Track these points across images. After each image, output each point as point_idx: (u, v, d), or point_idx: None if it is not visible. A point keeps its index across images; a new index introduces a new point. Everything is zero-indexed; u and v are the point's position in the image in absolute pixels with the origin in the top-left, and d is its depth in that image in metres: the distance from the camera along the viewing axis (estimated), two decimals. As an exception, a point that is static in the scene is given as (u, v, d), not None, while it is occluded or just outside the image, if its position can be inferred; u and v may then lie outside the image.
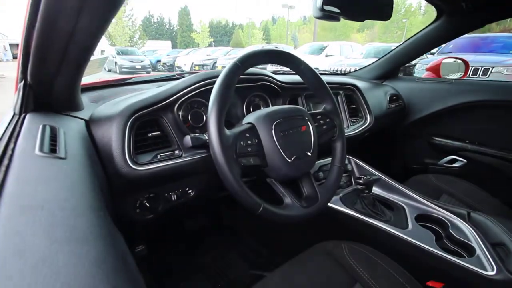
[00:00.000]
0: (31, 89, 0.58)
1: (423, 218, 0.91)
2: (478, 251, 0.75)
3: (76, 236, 0.27)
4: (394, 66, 1.60)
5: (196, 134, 0.71)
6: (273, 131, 0.67)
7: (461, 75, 1.66)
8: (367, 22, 0.93)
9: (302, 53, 9.49)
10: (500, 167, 1.33)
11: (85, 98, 0.82)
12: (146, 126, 0.74)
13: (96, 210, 0.34)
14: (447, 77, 1.65)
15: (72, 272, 0.23)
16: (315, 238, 0.99)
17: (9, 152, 0.39)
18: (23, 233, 0.25)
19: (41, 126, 0.51)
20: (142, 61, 11.87)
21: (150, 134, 0.74)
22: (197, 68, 10.61)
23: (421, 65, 5.05)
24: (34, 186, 0.32)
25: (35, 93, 0.59)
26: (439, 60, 1.71)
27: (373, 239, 0.87)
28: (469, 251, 0.78)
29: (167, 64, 13.17)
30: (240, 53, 0.75)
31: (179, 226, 1.41)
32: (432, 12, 1.27)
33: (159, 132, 0.76)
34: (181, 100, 0.78)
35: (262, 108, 1.00)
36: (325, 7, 0.81)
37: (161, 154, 0.73)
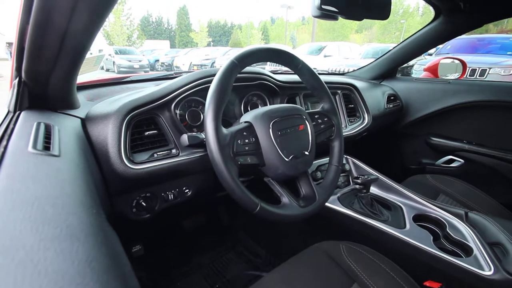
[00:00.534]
0: (26, 86, 0.57)
1: (420, 218, 0.91)
2: (476, 251, 0.75)
3: (66, 233, 0.26)
4: (392, 66, 1.61)
5: (193, 133, 0.71)
6: (270, 130, 0.67)
7: (459, 76, 1.66)
8: (366, 22, 0.93)
9: (301, 53, 9.51)
10: (497, 167, 1.34)
11: (81, 96, 0.81)
12: (143, 124, 0.74)
13: (89, 208, 0.33)
14: (445, 78, 1.66)
15: (60, 270, 0.22)
16: (313, 238, 0.99)
17: (1, 149, 0.38)
18: (11, 229, 0.24)
19: (35, 124, 0.50)
20: (140, 61, 11.82)
21: (147, 133, 0.73)
22: (195, 68, 10.59)
23: (419, 66, 5.07)
24: (26, 183, 0.32)
25: (30, 91, 0.58)
26: (436, 61, 1.71)
27: (371, 239, 0.87)
28: (467, 251, 0.78)
29: (166, 63, 13.14)
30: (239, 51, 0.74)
31: (176, 226, 1.40)
32: (430, 14, 1.27)
33: (156, 131, 0.75)
34: (178, 99, 0.77)
35: (260, 107, 0.99)
36: (323, 6, 0.80)
37: (158, 153, 0.73)
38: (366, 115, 1.31)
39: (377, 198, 1.01)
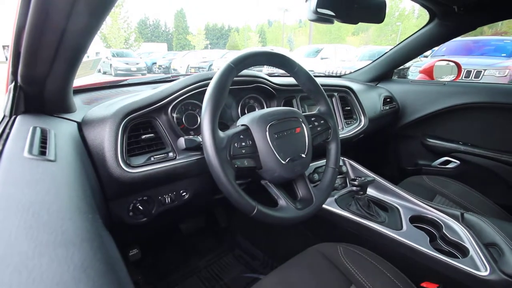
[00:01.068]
0: (22, 91, 0.57)
1: (417, 219, 0.91)
2: (472, 252, 0.76)
3: (61, 239, 0.26)
4: (388, 69, 1.62)
5: (190, 136, 0.71)
6: (267, 133, 0.67)
7: (454, 77, 1.68)
8: (362, 25, 0.94)
9: (298, 56, 9.55)
10: (492, 168, 1.35)
11: (78, 100, 0.81)
12: (140, 128, 0.73)
13: (84, 213, 0.33)
14: (440, 80, 1.67)
15: (56, 276, 0.22)
16: (310, 240, 0.99)
17: None
18: (6, 236, 0.24)
19: (31, 128, 0.50)
20: (137, 63, 11.81)
21: (144, 136, 0.73)
22: (193, 70, 10.59)
23: (415, 68, 5.12)
24: (21, 188, 0.32)
25: (26, 95, 0.58)
26: (432, 63, 1.73)
27: (368, 240, 0.87)
28: (463, 251, 0.78)
29: (163, 66, 13.13)
30: (235, 55, 0.74)
31: (173, 229, 1.40)
32: (426, 16, 1.29)
33: (152, 134, 0.75)
34: (175, 102, 0.78)
35: (257, 109, 1.00)
36: (319, 10, 0.81)
37: (155, 157, 0.73)
38: (362, 117, 1.31)
39: (374, 200, 1.01)
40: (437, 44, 1.45)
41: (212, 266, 1.31)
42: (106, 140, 0.64)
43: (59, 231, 0.27)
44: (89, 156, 0.64)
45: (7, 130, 0.49)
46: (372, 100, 1.44)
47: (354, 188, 0.92)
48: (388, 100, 1.52)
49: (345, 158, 1.16)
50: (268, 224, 0.65)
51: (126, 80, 1.12)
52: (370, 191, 1.04)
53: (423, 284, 0.79)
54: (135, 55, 13.84)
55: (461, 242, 0.79)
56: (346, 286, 0.68)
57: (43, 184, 0.34)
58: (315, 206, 0.74)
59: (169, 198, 0.81)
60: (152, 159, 0.72)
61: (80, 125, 0.68)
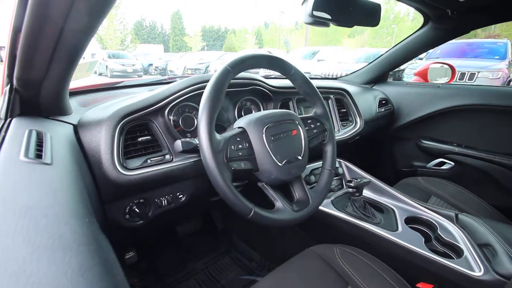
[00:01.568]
0: (17, 93, 0.57)
1: (412, 221, 0.92)
2: (466, 252, 0.77)
3: (59, 243, 0.26)
4: (383, 71, 1.64)
5: (187, 139, 0.71)
6: (264, 135, 0.68)
7: (448, 80, 1.70)
8: (358, 27, 0.96)
9: (295, 58, 9.60)
10: (486, 169, 1.37)
11: (74, 102, 0.81)
12: (136, 130, 0.73)
13: (81, 217, 0.33)
14: (435, 82, 1.70)
15: (54, 281, 0.22)
16: (307, 241, 0.99)
17: None
18: (4, 240, 0.24)
19: (27, 131, 0.50)
20: (133, 65, 11.76)
21: (140, 139, 0.73)
22: (189, 72, 10.58)
23: (410, 70, 5.17)
24: (17, 192, 0.32)
25: (22, 97, 0.58)
26: (426, 65, 1.75)
27: (364, 241, 0.88)
28: (457, 252, 0.79)
29: (160, 68, 13.10)
30: (232, 57, 0.75)
31: (170, 232, 1.39)
32: (420, 19, 1.30)
33: (149, 137, 0.75)
34: (172, 104, 0.78)
35: (253, 112, 1.00)
36: (315, 13, 0.82)
37: (152, 159, 0.73)
38: (358, 119, 1.32)
39: (370, 201, 1.02)
40: (432, 47, 1.47)
41: (209, 268, 1.30)
42: (102, 142, 0.64)
43: (56, 235, 0.27)
44: (85, 158, 0.63)
45: (2, 133, 0.49)
46: (367, 102, 1.45)
47: (350, 189, 0.93)
48: (383, 102, 1.54)
49: (341, 160, 1.17)
50: (264, 226, 0.65)
51: (123, 82, 1.12)
52: (366, 193, 1.05)
53: (419, 285, 0.79)
54: (131, 57, 13.80)
55: (456, 243, 0.80)
56: (342, 287, 0.68)
57: (39, 188, 0.34)
58: (312, 208, 0.74)
59: (165, 201, 0.80)
60: (149, 161, 0.72)
61: (76, 128, 0.67)
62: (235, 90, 0.92)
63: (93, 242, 0.30)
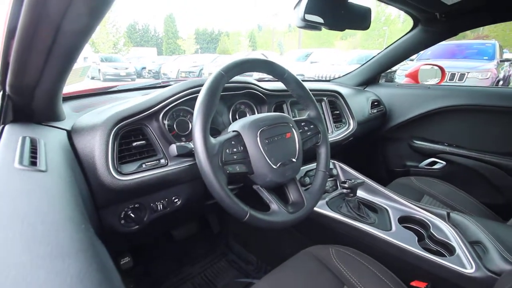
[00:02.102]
0: (10, 100, 0.57)
1: (405, 220, 0.94)
2: (458, 250, 0.78)
3: (57, 250, 0.26)
4: (375, 73, 1.66)
5: (182, 143, 0.71)
6: (258, 139, 0.68)
7: (438, 81, 1.74)
8: (350, 30, 0.97)
9: (289, 60, 9.66)
10: (476, 168, 1.40)
11: (67, 107, 0.80)
12: (131, 135, 0.73)
13: (78, 224, 0.33)
14: (425, 83, 1.73)
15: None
16: (303, 243, 1.00)
17: None
18: (3, 248, 0.24)
19: (20, 138, 0.50)
20: (126, 68, 11.66)
21: (135, 144, 0.73)
22: (183, 75, 10.56)
23: (402, 71, 5.25)
24: (14, 200, 0.32)
25: (14, 104, 0.58)
26: (417, 67, 1.79)
27: (359, 241, 0.89)
28: (450, 250, 0.81)
29: (153, 71, 13.02)
30: (226, 60, 0.75)
31: (166, 236, 1.38)
32: (411, 21, 1.33)
33: (144, 141, 0.75)
34: (166, 109, 0.78)
35: (248, 115, 1.01)
36: (307, 17, 0.83)
37: (146, 164, 0.73)
38: (351, 121, 1.34)
39: (364, 202, 1.03)
40: (422, 49, 1.51)
41: (205, 272, 1.30)
42: (96, 148, 0.64)
43: (54, 242, 0.27)
44: (79, 164, 0.63)
45: None
46: (360, 104, 1.47)
47: (345, 190, 0.94)
48: (375, 103, 1.56)
49: (335, 161, 1.18)
50: (260, 228, 0.66)
51: (116, 86, 1.11)
52: (360, 193, 1.06)
53: (413, 283, 0.81)
54: (124, 60, 13.68)
55: (448, 241, 0.82)
56: (338, 287, 0.69)
57: (36, 195, 0.34)
58: (307, 209, 0.75)
59: (161, 205, 0.80)
60: (144, 166, 0.72)
61: (70, 133, 0.67)
62: (229, 94, 0.92)
63: (91, 248, 0.30)
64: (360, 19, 0.93)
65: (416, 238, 0.83)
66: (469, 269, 0.72)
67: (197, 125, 0.60)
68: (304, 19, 0.83)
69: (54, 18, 0.42)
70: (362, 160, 1.83)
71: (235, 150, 0.66)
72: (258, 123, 0.71)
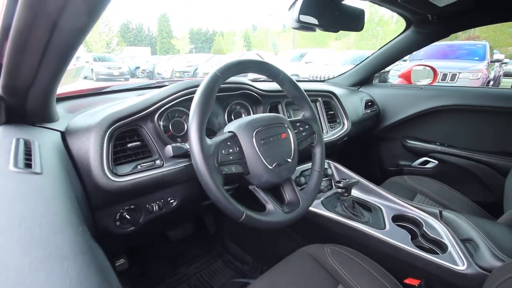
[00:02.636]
0: (3, 101, 0.56)
1: (399, 218, 0.95)
2: (450, 248, 0.80)
3: (56, 253, 0.26)
4: (369, 73, 1.68)
5: (178, 144, 0.71)
6: (254, 139, 0.69)
7: (430, 81, 1.77)
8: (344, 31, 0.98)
9: (284, 60, 9.68)
10: (467, 167, 1.43)
11: (60, 108, 0.80)
12: (126, 136, 0.73)
13: (75, 226, 0.33)
14: (418, 83, 1.76)
15: None
16: (299, 242, 1.01)
17: None
18: (2, 252, 0.24)
19: (14, 140, 0.49)
20: (120, 68, 11.52)
21: (130, 145, 0.73)
22: (177, 74, 10.49)
23: (395, 72, 5.31)
24: (11, 203, 0.31)
25: (7, 105, 0.57)
26: (410, 67, 1.82)
27: (353, 240, 0.90)
28: (442, 248, 0.82)
29: (147, 70, 12.91)
30: (221, 60, 0.75)
31: (161, 237, 1.38)
32: (404, 22, 1.35)
33: (139, 142, 0.75)
34: (161, 110, 0.78)
35: (243, 115, 1.01)
36: (302, 18, 0.84)
37: (142, 165, 0.72)
38: (345, 121, 1.36)
39: (359, 201, 1.04)
40: (415, 50, 1.53)
41: (201, 272, 1.30)
42: (91, 149, 0.63)
43: (52, 245, 0.27)
44: (73, 166, 0.63)
45: None
46: (354, 104, 1.49)
47: (339, 190, 0.95)
48: (369, 104, 1.58)
49: (330, 161, 1.19)
50: (256, 228, 0.66)
51: (110, 86, 1.11)
52: (355, 192, 1.08)
53: (406, 281, 0.82)
54: (117, 59, 13.53)
55: (440, 239, 0.83)
56: (333, 286, 0.70)
57: (32, 198, 0.34)
58: (302, 209, 0.76)
59: (156, 206, 0.80)
60: (139, 167, 0.72)
61: (64, 135, 0.66)
62: (225, 95, 0.93)
63: (88, 250, 0.30)
64: (354, 21, 0.94)
65: (409, 236, 0.85)
66: (461, 266, 0.74)
67: (193, 126, 0.60)
68: (298, 20, 0.84)
69: (51, 17, 0.41)
70: (357, 159, 1.85)
71: (231, 150, 0.67)
72: (253, 124, 0.71)
